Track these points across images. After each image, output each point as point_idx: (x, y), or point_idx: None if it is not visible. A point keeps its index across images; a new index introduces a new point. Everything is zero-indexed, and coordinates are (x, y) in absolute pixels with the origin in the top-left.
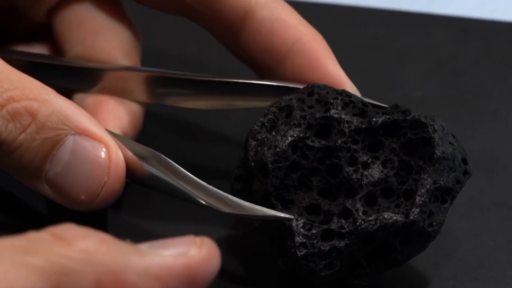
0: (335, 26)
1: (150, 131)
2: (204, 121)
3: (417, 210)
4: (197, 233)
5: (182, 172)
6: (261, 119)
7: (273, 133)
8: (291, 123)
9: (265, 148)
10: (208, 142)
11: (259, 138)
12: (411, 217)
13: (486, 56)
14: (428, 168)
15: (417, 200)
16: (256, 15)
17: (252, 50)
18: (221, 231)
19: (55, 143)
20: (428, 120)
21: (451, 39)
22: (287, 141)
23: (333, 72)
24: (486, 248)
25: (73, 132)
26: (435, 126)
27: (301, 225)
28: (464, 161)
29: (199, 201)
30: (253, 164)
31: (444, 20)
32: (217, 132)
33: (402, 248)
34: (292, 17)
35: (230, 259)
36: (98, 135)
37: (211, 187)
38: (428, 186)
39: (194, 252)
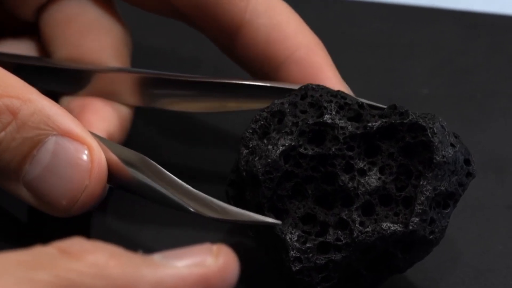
0: (338, 21)
1: (141, 134)
2: (199, 122)
3: (417, 219)
4: (189, 240)
5: (168, 176)
6: (252, 125)
7: (265, 141)
8: (283, 131)
9: (256, 158)
10: (203, 144)
11: (250, 145)
12: (411, 227)
13: (495, 52)
14: (427, 174)
15: (416, 208)
16: (253, 23)
17: (248, 57)
18: (214, 238)
19: (36, 143)
20: (428, 122)
21: (459, 34)
22: (278, 151)
23: (333, 86)
24: (496, 252)
25: (55, 133)
26: (435, 129)
27: (296, 238)
28: (467, 162)
29: (186, 207)
30: (244, 174)
31: (452, 15)
32: (212, 133)
33: (404, 256)
34: (290, 26)
35: None
36: (81, 136)
37: (196, 191)
38: (427, 194)
39: (211, 261)
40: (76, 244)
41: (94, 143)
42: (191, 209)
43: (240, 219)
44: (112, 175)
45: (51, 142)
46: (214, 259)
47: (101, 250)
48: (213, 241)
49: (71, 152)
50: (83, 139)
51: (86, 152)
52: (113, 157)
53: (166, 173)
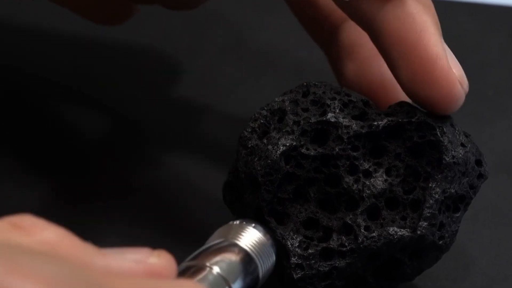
0: None
1: (144, 125)
2: (195, 121)
3: (425, 223)
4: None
5: None
6: (251, 124)
7: (265, 141)
8: (284, 130)
9: (256, 159)
10: (200, 144)
11: (249, 146)
12: (419, 232)
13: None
14: (436, 176)
15: (424, 212)
16: None
17: None
18: None
19: None
20: (436, 121)
21: (475, 28)
22: (278, 151)
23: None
24: (510, 258)
25: None
26: (444, 128)
27: (297, 244)
28: (478, 163)
29: None
30: (243, 175)
31: (467, 8)
32: (209, 132)
33: (412, 263)
34: None
35: None
36: None
37: None
38: (436, 196)
39: (154, 260)
40: (27, 219)
41: None
42: None
43: None
44: None
45: None
46: (157, 258)
47: (52, 228)
48: None
49: None
50: None
51: None
52: None
53: None
